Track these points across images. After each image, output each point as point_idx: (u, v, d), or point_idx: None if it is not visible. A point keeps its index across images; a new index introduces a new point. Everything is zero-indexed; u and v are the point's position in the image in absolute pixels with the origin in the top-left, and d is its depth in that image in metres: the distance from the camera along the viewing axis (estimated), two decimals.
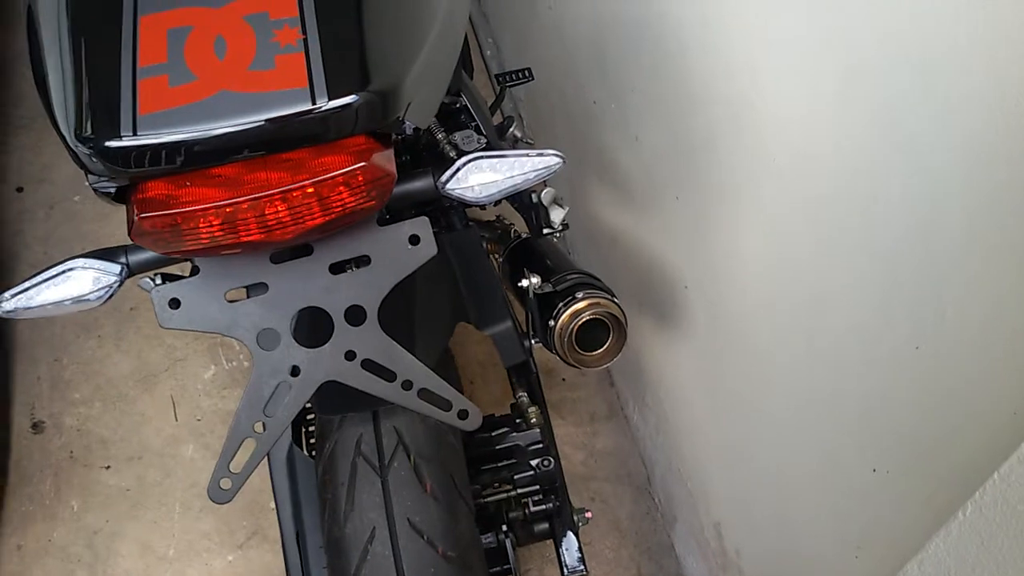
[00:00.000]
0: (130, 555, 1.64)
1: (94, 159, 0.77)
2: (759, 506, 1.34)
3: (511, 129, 1.39)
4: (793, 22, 0.96)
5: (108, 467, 1.74)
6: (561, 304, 1.09)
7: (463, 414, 0.94)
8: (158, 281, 0.89)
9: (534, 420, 1.21)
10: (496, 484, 1.23)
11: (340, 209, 0.80)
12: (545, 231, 1.19)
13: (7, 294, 0.85)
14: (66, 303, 0.86)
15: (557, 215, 1.19)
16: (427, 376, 0.92)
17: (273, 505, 1.20)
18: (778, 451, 1.24)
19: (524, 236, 1.31)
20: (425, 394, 0.92)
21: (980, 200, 0.76)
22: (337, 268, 0.88)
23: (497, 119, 1.42)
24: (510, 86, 1.60)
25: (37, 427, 1.79)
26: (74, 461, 1.75)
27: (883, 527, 1.01)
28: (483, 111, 1.31)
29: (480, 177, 0.88)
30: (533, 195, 1.18)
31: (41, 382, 1.84)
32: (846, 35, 0.88)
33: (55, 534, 1.66)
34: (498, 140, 1.31)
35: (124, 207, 0.83)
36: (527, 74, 1.61)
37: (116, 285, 0.87)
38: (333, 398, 1.00)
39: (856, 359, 1.00)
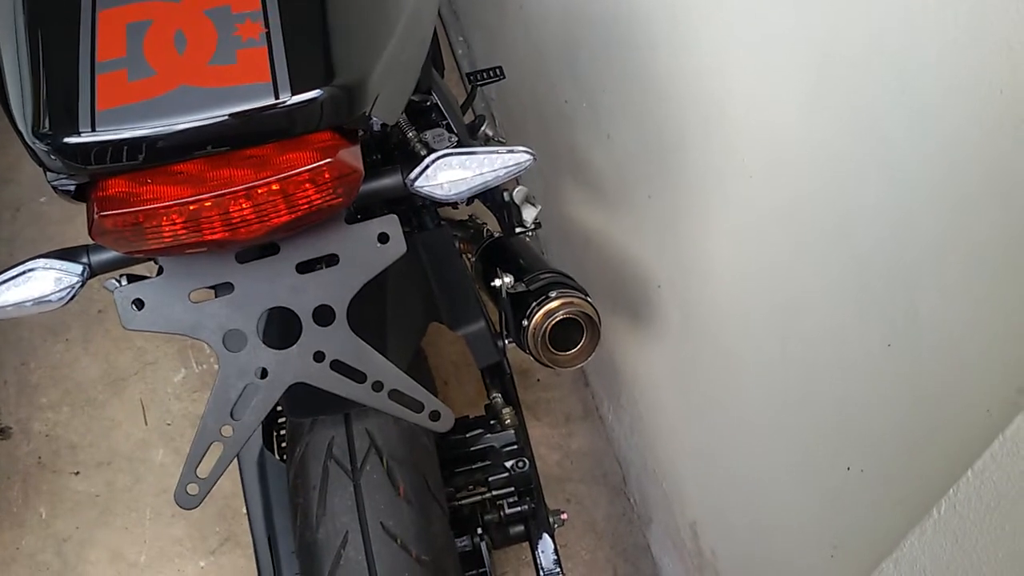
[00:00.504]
0: (100, 562, 1.62)
1: (52, 156, 0.75)
2: (734, 506, 1.34)
3: (483, 128, 1.38)
4: (763, 22, 0.95)
5: (77, 473, 1.71)
6: (534, 303, 1.08)
7: (435, 416, 0.93)
8: (123, 282, 0.88)
9: (508, 421, 1.20)
10: (471, 486, 1.22)
11: (306, 206, 0.78)
12: (518, 230, 1.18)
13: None
14: (27, 304, 0.85)
15: (529, 214, 1.18)
16: (398, 377, 0.90)
17: (245, 510, 1.18)
18: (752, 451, 1.23)
19: (497, 235, 1.30)
20: (396, 395, 0.91)
21: (955, 202, 0.75)
22: (305, 267, 0.87)
23: (468, 118, 1.41)
24: (481, 85, 1.59)
25: (4, 432, 1.75)
26: (42, 467, 1.72)
27: (858, 526, 1.01)
28: (454, 109, 1.30)
29: (449, 174, 0.87)
30: (505, 193, 1.17)
31: (8, 387, 1.81)
32: (818, 36, 0.87)
33: (23, 542, 1.63)
34: (469, 139, 1.30)
35: (85, 206, 0.81)
36: (498, 72, 1.61)
37: (78, 286, 0.86)
38: (303, 401, 0.99)
39: (829, 359, 0.99)
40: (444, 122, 1.26)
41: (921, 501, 0.84)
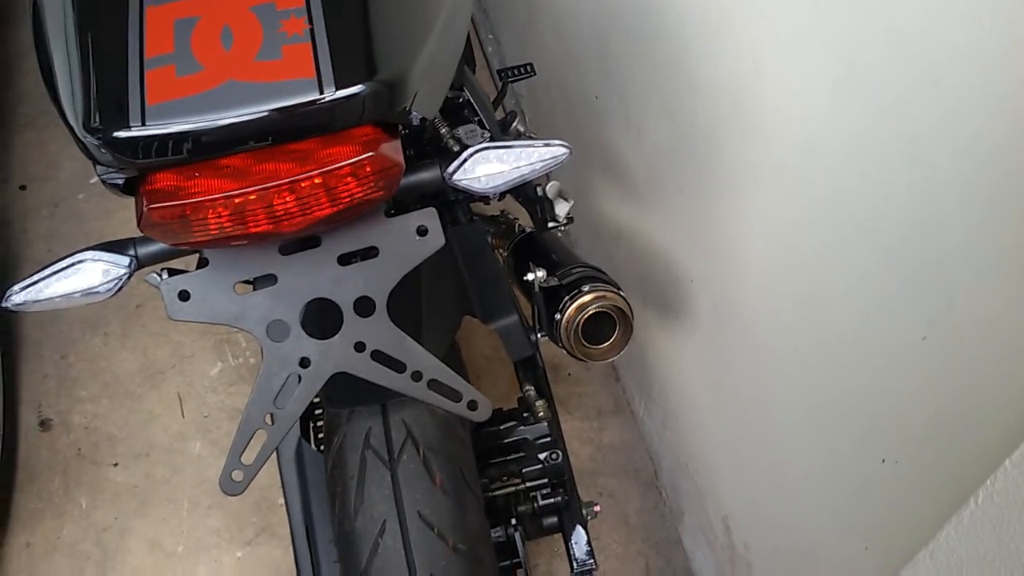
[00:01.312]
0: (139, 552, 1.65)
1: (103, 150, 0.77)
2: (767, 499, 1.34)
3: (514, 124, 1.39)
4: (797, 16, 0.96)
5: (116, 464, 1.74)
6: (567, 297, 1.09)
7: (473, 405, 0.94)
8: (164, 276, 0.89)
9: (542, 414, 1.21)
10: (505, 477, 1.22)
11: (348, 199, 0.80)
12: (550, 225, 1.19)
13: (16, 287, 0.86)
14: (76, 295, 0.86)
15: (562, 208, 1.19)
16: (437, 367, 0.92)
17: (282, 501, 1.20)
18: (785, 443, 1.23)
19: (529, 231, 1.31)
20: (435, 385, 0.92)
21: (985, 194, 0.76)
22: (345, 259, 0.88)
23: (499, 114, 1.42)
24: (512, 81, 1.60)
25: (45, 424, 1.79)
26: (82, 458, 1.75)
27: (893, 518, 1.01)
28: (486, 106, 1.31)
29: (487, 168, 0.88)
30: (538, 188, 1.18)
31: (48, 380, 1.85)
32: (849, 30, 0.87)
33: (64, 531, 1.67)
34: (501, 134, 1.31)
35: (129, 202, 0.83)
36: (529, 69, 1.62)
37: (126, 277, 0.87)
38: (342, 391, 1.00)
39: (863, 350, 0.99)
40: (476, 118, 1.27)
41: (957, 492, 0.84)
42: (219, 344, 1.88)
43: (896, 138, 0.84)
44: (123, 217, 2.04)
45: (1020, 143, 0.70)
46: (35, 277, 0.86)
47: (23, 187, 2.13)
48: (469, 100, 1.29)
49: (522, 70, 1.62)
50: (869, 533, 1.06)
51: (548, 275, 1.12)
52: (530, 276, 1.12)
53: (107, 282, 0.86)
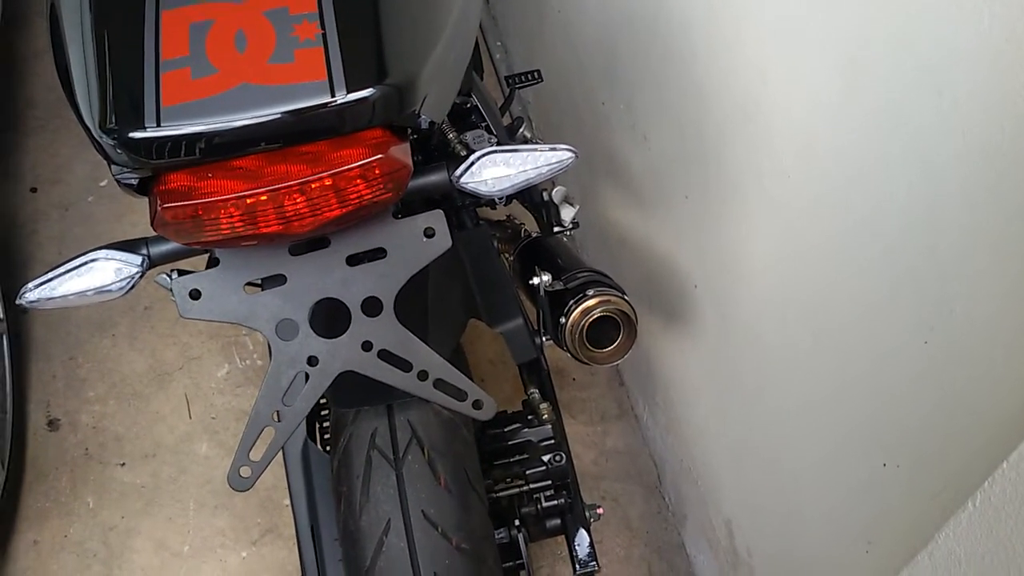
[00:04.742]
0: (145, 551, 1.66)
1: (118, 150, 0.78)
2: (769, 503, 1.34)
3: (521, 130, 1.41)
4: (800, 22, 0.97)
5: (123, 464, 1.76)
6: (572, 301, 1.10)
7: (478, 404, 0.95)
8: (174, 276, 0.91)
9: (546, 416, 1.22)
10: (508, 479, 1.23)
11: (357, 201, 0.81)
12: (556, 229, 1.21)
13: (30, 284, 0.87)
14: (88, 294, 0.88)
15: (568, 213, 1.20)
16: (442, 367, 0.93)
17: (287, 502, 1.21)
18: (787, 448, 1.24)
19: (535, 235, 1.32)
20: (441, 384, 0.93)
21: (985, 196, 0.77)
22: (353, 260, 0.89)
23: (506, 120, 1.43)
24: (519, 88, 1.61)
25: (53, 424, 1.80)
26: (89, 458, 1.76)
27: (893, 520, 1.02)
28: (494, 112, 1.33)
29: (494, 171, 0.89)
30: (544, 193, 1.20)
31: (56, 380, 1.86)
32: (851, 33, 0.89)
33: (71, 530, 1.68)
34: (508, 140, 1.32)
35: (139, 205, 0.85)
36: (536, 76, 1.63)
37: (138, 276, 0.89)
38: (348, 391, 1.02)
39: (864, 355, 1.00)
40: (484, 124, 1.28)
41: (956, 495, 0.85)
42: (226, 346, 1.90)
43: (897, 140, 0.85)
44: (132, 220, 2.06)
45: (1018, 143, 0.71)
46: (49, 275, 0.87)
47: (34, 189, 2.15)
48: (477, 106, 1.30)
49: (529, 76, 1.63)
50: (870, 536, 1.07)
51: (553, 279, 1.13)
52: (535, 280, 1.13)
53: (119, 280, 0.88)
